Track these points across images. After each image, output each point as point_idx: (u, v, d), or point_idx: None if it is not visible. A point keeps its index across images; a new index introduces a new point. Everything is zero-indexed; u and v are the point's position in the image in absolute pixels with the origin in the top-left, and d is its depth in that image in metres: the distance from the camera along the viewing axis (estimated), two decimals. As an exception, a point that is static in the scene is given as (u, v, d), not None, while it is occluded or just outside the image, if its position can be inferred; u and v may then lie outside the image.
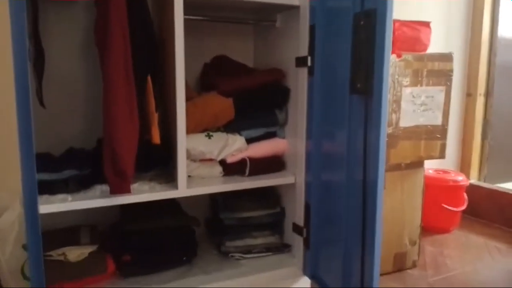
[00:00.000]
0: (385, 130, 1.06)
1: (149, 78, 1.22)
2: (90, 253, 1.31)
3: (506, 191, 2.30)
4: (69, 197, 1.17)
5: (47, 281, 1.13)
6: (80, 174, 1.22)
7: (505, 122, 2.66)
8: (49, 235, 1.32)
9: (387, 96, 1.05)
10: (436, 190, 2.09)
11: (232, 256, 1.50)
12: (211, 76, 1.54)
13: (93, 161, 1.24)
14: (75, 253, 1.29)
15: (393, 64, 1.54)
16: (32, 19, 1.20)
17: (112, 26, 1.08)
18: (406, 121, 1.59)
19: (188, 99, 1.28)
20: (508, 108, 2.68)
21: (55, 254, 1.28)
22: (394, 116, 1.57)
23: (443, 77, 1.66)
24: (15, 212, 1.29)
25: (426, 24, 1.69)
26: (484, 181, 2.51)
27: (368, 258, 1.08)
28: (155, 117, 1.22)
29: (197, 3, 1.33)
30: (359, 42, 1.11)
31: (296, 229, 1.50)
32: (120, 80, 1.11)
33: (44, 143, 1.35)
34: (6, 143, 1.37)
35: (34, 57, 1.14)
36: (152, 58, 1.27)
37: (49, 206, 1.12)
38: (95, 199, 1.17)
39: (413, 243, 1.73)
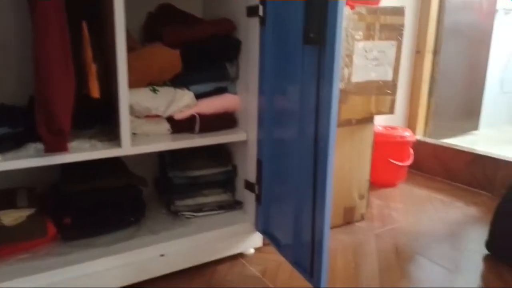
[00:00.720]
0: (338, 83, 1.03)
1: (84, 24, 1.09)
2: (28, 216, 1.22)
3: (450, 146, 2.40)
4: (-1, 156, 1.06)
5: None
6: (12, 132, 1.11)
7: (450, 80, 2.74)
8: (-20, 199, 1.22)
9: (341, 47, 1.01)
10: (384, 145, 2.14)
11: (182, 214, 1.47)
12: (156, 26, 1.42)
13: (26, 118, 1.13)
14: (11, 217, 1.20)
15: (346, 16, 1.50)
16: None
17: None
18: (358, 76, 1.58)
19: (130, 49, 1.17)
20: (453, 67, 2.76)
21: (-12, 218, 1.18)
22: (346, 70, 1.55)
23: (394, 31, 1.65)
24: None
25: (380, -23, 1.65)
26: (430, 137, 2.60)
27: (319, 213, 1.08)
28: (92, 69, 1.11)
29: None
30: (312, -10, 1.06)
31: (248, 186, 1.48)
32: (51, 26, 0.98)
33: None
34: None
35: None
36: (90, 3, 1.15)
37: (-25, 167, 1.02)
38: (29, 158, 1.07)
39: (361, 197, 1.77)
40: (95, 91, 1.12)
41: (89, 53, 1.10)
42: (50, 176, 1.39)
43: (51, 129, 1.04)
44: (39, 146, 1.10)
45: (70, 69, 1.04)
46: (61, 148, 1.07)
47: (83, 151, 1.14)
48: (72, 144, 1.15)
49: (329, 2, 0.99)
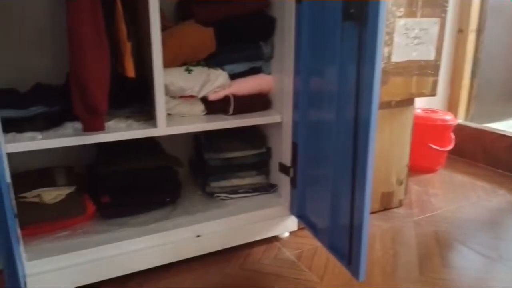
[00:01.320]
0: (380, 63, 0.98)
1: (118, 2, 1.08)
2: (67, 195, 1.25)
3: (492, 130, 2.28)
4: (38, 135, 1.08)
5: (22, 223, 1.08)
6: (49, 111, 1.12)
7: (494, 61, 2.59)
8: (22, 177, 1.25)
9: (384, 23, 0.95)
10: (424, 129, 2.05)
11: (217, 196, 1.46)
12: (189, 3, 1.40)
13: (63, 97, 1.14)
14: (51, 195, 1.23)
15: (387, -8, 1.43)
16: None
17: None
18: (398, 56, 1.50)
19: (164, 28, 1.16)
20: (497, 47, 2.60)
21: (30, 195, 1.21)
22: (386, 49, 1.48)
23: (438, 8, 1.55)
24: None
25: (425, -51, 1.55)
26: (472, 121, 2.48)
27: (359, 197, 1.04)
28: (127, 47, 1.10)
29: None
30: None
31: (283, 169, 1.45)
32: (85, 4, 0.98)
33: (7, 79, 1.24)
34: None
35: None
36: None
37: (17, 144, 1.04)
38: (67, 137, 1.09)
39: (400, 183, 1.71)
40: (130, 71, 1.11)
41: (123, 30, 1.09)
42: (86, 155, 1.41)
43: (87, 108, 1.04)
44: (77, 125, 1.11)
45: (104, 45, 1.03)
46: (98, 127, 1.08)
47: (119, 131, 1.15)
48: (109, 124, 1.16)
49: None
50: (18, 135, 1.07)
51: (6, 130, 1.05)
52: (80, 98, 1.02)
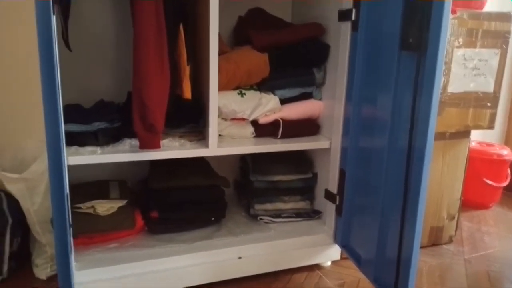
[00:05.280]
0: (438, 94, 0.96)
1: (181, 27, 1.14)
2: (119, 208, 1.30)
3: (554, 168, 2.14)
4: (98, 149, 1.14)
5: (75, 233, 1.13)
6: (110, 127, 1.18)
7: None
8: (78, 188, 1.32)
9: (444, 53, 0.93)
10: (479, 163, 1.96)
11: (261, 219, 1.46)
12: (246, 29, 1.44)
13: (123, 114, 1.20)
14: (104, 207, 1.28)
15: (446, 22, 1.40)
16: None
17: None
18: (455, 86, 1.46)
19: (220, 53, 1.20)
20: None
21: (84, 207, 1.27)
22: (442, 79, 1.44)
23: (499, 39, 1.50)
24: (45, 162, 1.28)
25: (485, -21, 1.52)
26: (530, 157, 2.34)
27: (409, 229, 1.01)
28: (187, 70, 1.15)
29: None
30: (414, -8, 0.99)
31: (329, 196, 1.43)
32: (151, 29, 1.04)
33: (74, 95, 1.33)
34: (37, 91, 1.35)
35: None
36: (186, 6, 1.19)
37: (78, 158, 1.10)
38: (124, 153, 1.14)
39: (451, 218, 1.63)
40: (188, 92, 1.15)
41: (184, 55, 1.14)
42: (139, 171, 1.46)
43: (146, 126, 1.09)
44: (134, 142, 1.16)
45: (166, 69, 1.09)
46: (154, 145, 1.12)
47: (173, 149, 1.18)
48: (163, 142, 1.20)
49: (434, 3, 0.93)
50: (80, 149, 1.13)
51: (69, 143, 1.11)
52: (140, 117, 1.06)
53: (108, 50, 1.42)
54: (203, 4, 1.18)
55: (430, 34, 0.94)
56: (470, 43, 1.46)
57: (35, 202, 1.26)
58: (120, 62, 1.43)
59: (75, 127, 1.12)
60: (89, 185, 1.37)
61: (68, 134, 1.07)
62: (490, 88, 1.53)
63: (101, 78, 1.43)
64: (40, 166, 1.26)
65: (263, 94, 1.38)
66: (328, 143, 1.40)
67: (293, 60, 1.42)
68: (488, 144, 2.11)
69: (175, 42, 1.16)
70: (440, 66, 0.94)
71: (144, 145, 1.11)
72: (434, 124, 0.96)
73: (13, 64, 1.41)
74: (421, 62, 0.98)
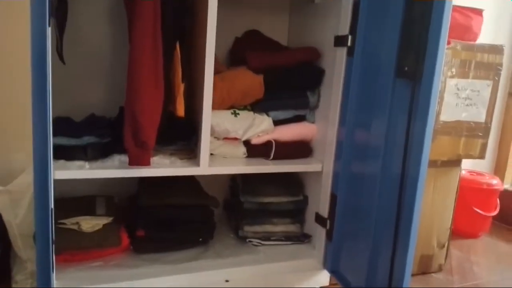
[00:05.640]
0: (433, 122, 0.96)
1: (177, 45, 1.13)
2: (104, 225, 1.26)
3: (542, 199, 2.16)
4: (86, 164, 1.11)
5: (58, 249, 1.09)
6: (100, 142, 1.16)
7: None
8: (64, 203, 1.28)
9: (439, 82, 0.94)
10: (469, 192, 1.97)
11: (250, 241, 1.44)
12: (242, 50, 1.45)
13: (114, 129, 1.18)
14: (89, 224, 1.25)
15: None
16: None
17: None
18: (447, 115, 1.48)
19: (216, 72, 1.20)
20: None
21: (69, 223, 1.23)
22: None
23: (491, 70, 1.53)
24: (31, 175, 1.25)
25: (479, 12, 1.56)
26: (519, 187, 2.37)
27: (401, 257, 1.00)
28: (181, 88, 1.14)
29: None
30: (410, 20, 1.01)
31: (319, 220, 1.41)
32: (147, 46, 1.03)
33: (64, 107, 1.30)
34: (27, 103, 1.33)
35: (56, 6, 1.05)
36: (183, 24, 1.19)
37: (65, 172, 1.07)
38: (113, 169, 1.12)
39: (441, 246, 1.63)
40: (181, 110, 1.14)
41: (179, 73, 1.14)
42: (127, 187, 1.43)
43: (137, 142, 1.07)
44: (124, 158, 1.14)
45: (160, 86, 1.08)
46: (144, 162, 1.10)
47: (163, 167, 1.16)
48: (153, 159, 1.18)
49: (431, 31, 0.94)
50: (68, 163, 1.10)
51: (56, 157, 1.09)
52: (131, 132, 1.05)
53: (101, 64, 1.41)
54: (200, 23, 1.18)
55: (425, 63, 0.95)
56: (463, 74, 1.48)
57: (18, 215, 1.23)
58: (113, 77, 1.42)
59: (64, 140, 1.10)
60: (75, 200, 1.34)
61: (56, 147, 1.05)
62: (482, 118, 1.54)
63: (93, 91, 1.41)
64: (26, 179, 1.23)
65: (257, 115, 1.37)
66: (320, 166, 1.39)
67: (287, 83, 1.42)
68: (478, 173, 2.12)
69: (171, 59, 1.15)
70: (435, 95, 0.95)
71: (134, 162, 1.10)
72: (428, 152, 0.96)
73: (2, 75, 1.40)
74: (416, 91, 0.98)
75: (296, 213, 1.50)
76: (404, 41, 1.03)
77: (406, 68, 1.01)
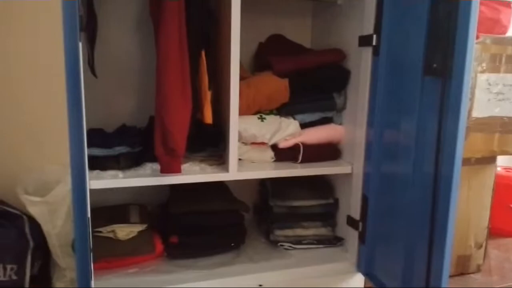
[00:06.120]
0: (465, 119, 0.94)
1: (203, 53, 1.15)
2: (139, 232, 1.29)
3: None
4: (120, 173, 1.14)
5: (95, 257, 1.12)
6: (131, 151, 1.19)
7: None
8: (99, 212, 1.32)
9: (470, 79, 0.92)
10: (505, 189, 1.90)
11: (281, 245, 1.44)
12: (267, 55, 1.45)
13: (145, 139, 1.21)
14: (124, 231, 1.28)
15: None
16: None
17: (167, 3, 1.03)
18: (479, 111, 1.44)
19: (241, 78, 1.21)
20: None
21: (105, 231, 1.27)
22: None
23: (524, 63, 1.48)
24: (67, 186, 1.29)
25: (507, 4, 1.51)
26: (559, 183, 2.26)
27: (437, 259, 0.97)
28: (208, 96, 1.16)
29: None
30: (437, 17, 0.99)
31: (351, 222, 1.40)
32: (174, 56, 1.06)
33: (97, 118, 1.34)
34: (62, 115, 1.38)
35: (86, 21, 1.09)
36: (207, 32, 1.21)
37: (99, 181, 1.11)
38: (145, 177, 1.14)
39: (478, 246, 1.58)
40: (208, 117, 1.16)
41: (206, 81, 1.15)
42: (159, 195, 1.46)
43: (167, 150, 1.09)
44: (155, 166, 1.17)
45: (188, 94, 1.10)
46: (175, 169, 1.12)
47: (194, 174, 1.18)
48: (184, 166, 1.20)
49: (458, 29, 0.92)
50: (102, 173, 1.14)
51: (91, 167, 1.12)
52: (162, 141, 1.07)
53: (131, 75, 1.45)
54: (224, 30, 1.20)
55: (454, 60, 0.93)
56: (494, 68, 1.44)
57: (56, 225, 1.27)
58: (143, 87, 1.45)
59: (97, 151, 1.14)
60: (109, 209, 1.38)
61: (90, 158, 1.08)
62: (516, 113, 1.50)
63: (124, 102, 1.45)
64: (62, 190, 1.28)
65: (283, 119, 1.37)
66: (350, 168, 1.38)
67: (313, 85, 1.42)
68: (515, 170, 2.05)
69: (197, 67, 1.17)
70: (466, 92, 0.93)
71: (165, 170, 1.12)
72: (462, 151, 0.94)
73: (37, 89, 1.45)
74: (445, 88, 0.96)
75: (327, 216, 1.49)
76: (431, 38, 1.01)
77: (434, 65, 0.99)
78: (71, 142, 0.91)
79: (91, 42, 1.17)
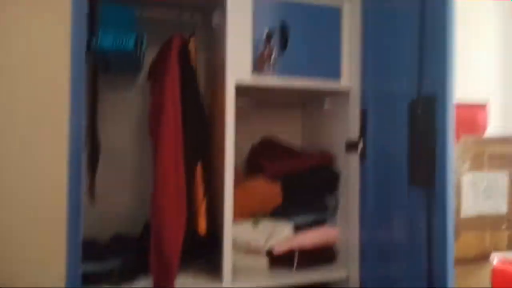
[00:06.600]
0: (452, 223, 0.97)
1: (198, 167, 1.20)
2: None
3: None
4: (113, 288, 1.12)
5: None
6: (125, 263, 1.18)
7: None
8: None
9: (452, 189, 0.96)
10: (504, 282, 1.87)
11: None
12: (259, 158, 1.51)
13: (138, 249, 1.21)
14: None
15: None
16: (90, 107, 1.24)
17: (165, 118, 1.10)
18: (468, 210, 1.47)
19: (236, 183, 1.24)
20: None
21: None
22: (454, 203, 1.45)
23: (505, 160, 1.54)
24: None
25: (483, 106, 1.62)
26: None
27: None
28: (202, 207, 1.19)
29: (246, 88, 1.30)
30: (417, 131, 1.06)
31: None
32: (171, 172, 1.11)
33: (90, 222, 1.34)
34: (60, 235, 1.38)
35: (89, 151, 1.14)
36: (203, 146, 1.27)
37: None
38: (138, 293, 1.12)
39: None
40: (202, 228, 1.17)
41: (201, 192, 1.19)
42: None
43: (161, 263, 1.09)
44: (150, 279, 1.15)
45: (182, 207, 1.13)
46: (169, 282, 1.10)
47: (187, 286, 1.16)
48: (178, 278, 1.18)
49: (437, 145, 0.98)
50: (95, 288, 1.12)
51: (84, 282, 1.10)
52: (156, 255, 1.08)
53: (126, 180, 1.48)
54: (219, 140, 1.26)
55: (436, 174, 0.98)
56: (477, 167, 1.49)
57: None
58: (137, 191, 1.48)
59: (90, 267, 1.12)
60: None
61: (84, 273, 1.07)
62: (503, 210, 1.52)
63: (117, 206, 1.46)
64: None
65: (277, 223, 1.39)
66: (345, 272, 1.36)
67: (305, 187, 1.46)
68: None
69: (193, 178, 1.21)
70: (450, 202, 0.97)
71: (159, 283, 1.10)
72: (453, 252, 0.97)
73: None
74: (430, 197, 1.00)
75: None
76: (413, 151, 1.08)
77: (418, 178, 1.04)
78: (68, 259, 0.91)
79: (93, 170, 1.21)
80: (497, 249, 1.51)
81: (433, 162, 1.00)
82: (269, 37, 1.20)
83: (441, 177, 0.97)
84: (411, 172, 1.08)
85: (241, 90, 1.23)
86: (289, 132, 1.71)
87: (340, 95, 1.41)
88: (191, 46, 1.22)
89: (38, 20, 1.35)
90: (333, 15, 1.34)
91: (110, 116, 1.45)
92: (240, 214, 1.33)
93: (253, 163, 1.58)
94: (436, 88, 1.00)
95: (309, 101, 1.66)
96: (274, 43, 1.23)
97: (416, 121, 1.06)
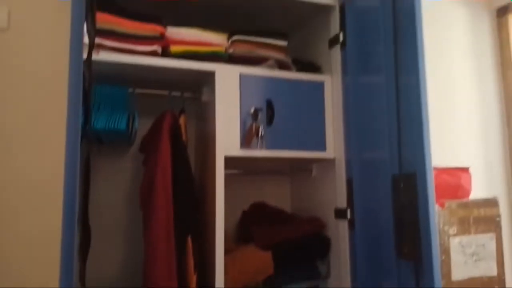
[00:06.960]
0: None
1: (189, 239, 1.21)
2: None
3: None
4: None
5: None
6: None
7: None
8: None
9: (439, 261, 0.98)
10: None
11: None
12: (250, 226, 1.52)
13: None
14: None
15: (437, 213, 1.49)
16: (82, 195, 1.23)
17: (157, 193, 1.13)
18: (458, 274, 1.47)
19: (226, 251, 1.25)
20: None
21: None
22: (444, 268, 1.46)
23: (491, 223, 1.58)
24: None
25: (465, 170, 1.67)
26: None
27: None
28: (193, 279, 1.19)
29: (235, 159, 1.34)
30: (400, 205, 1.10)
31: None
32: (161, 244, 1.12)
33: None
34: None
35: (80, 239, 1.10)
36: (193, 218, 1.29)
37: None
38: None
39: None
40: (194, 301, 1.17)
41: (191, 265, 1.19)
42: None
43: None
44: None
45: (173, 272, 1.13)
46: None
47: None
48: None
49: (420, 218, 1.01)
50: None
51: None
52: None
53: (114, 247, 1.48)
54: (210, 209, 1.28)
55: (422, 247, 1.00)
56: (464, 230, 1.52)
57: None
58: (127, 257, 1.48)
59: None
60: None
61: None
62: (494, 272, 1.53)
63: (108, 268, 1.45)
64: None
65: (269, 293, 1.38)
66: None
67: (296, 255, 1.46)
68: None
69: (184, 249, 1.22)
70: (438, 273, 0.98)
71: None
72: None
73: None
74: (418, 268, 1.02)
75: None
76: (398, 225, 1.10)
77: (405, 251, 1.06)
78: None
79: (83, 258, 1.18)
80: (491, 313, 1.50)
81: (418, 237, 1.02)
82: (256, 114, 1.26)
83: (427, 252, 0.99)
84: (397, 245, 1.10)
85: (230, 160, 1.27)
86: (278, 197, 1.74)
87: (327, 162, 1.45)
88: (182, 121, 1.28)
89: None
90: (317, 89, 1.41)
91: (102, 183, 1.48)
92: (233, 283, 1.32)
93: (245, 229, 1.59)
94: (416, 166, 1.05)
95: (297, 168, 1.70)
96: (261, 119, 1.29)
97: (399, 195, 1.10)
